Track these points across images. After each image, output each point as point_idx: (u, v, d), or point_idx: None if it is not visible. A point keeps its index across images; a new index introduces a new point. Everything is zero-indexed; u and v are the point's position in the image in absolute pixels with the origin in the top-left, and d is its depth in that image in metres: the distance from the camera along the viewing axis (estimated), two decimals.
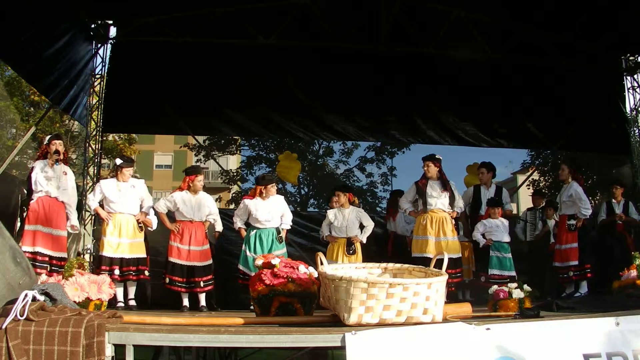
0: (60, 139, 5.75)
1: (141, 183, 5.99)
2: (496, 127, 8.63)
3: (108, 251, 5.56)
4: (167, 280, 5.67)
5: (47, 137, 5.69)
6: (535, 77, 8.19)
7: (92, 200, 5.80)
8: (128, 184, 5.82)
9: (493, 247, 6.33)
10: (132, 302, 5.64)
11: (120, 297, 5.56)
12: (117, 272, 5.48)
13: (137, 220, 5.76)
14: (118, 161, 6.00)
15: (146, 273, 5.73)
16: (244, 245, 5.84)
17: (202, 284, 5.70)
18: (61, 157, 5.58)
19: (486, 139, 8.70)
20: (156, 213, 5.94)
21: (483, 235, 6.41)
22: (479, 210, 6.81)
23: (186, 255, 5.70)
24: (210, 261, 5.83)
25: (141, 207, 5.89)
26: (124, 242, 5.63)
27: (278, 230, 5.85)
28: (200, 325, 2.62)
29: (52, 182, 5.42)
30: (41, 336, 2.19)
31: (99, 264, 5.56)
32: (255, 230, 5.82)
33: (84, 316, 2.29)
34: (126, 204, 5.74)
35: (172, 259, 5.71)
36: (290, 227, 6.12)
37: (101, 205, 5.78)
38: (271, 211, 5.84)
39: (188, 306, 5.71)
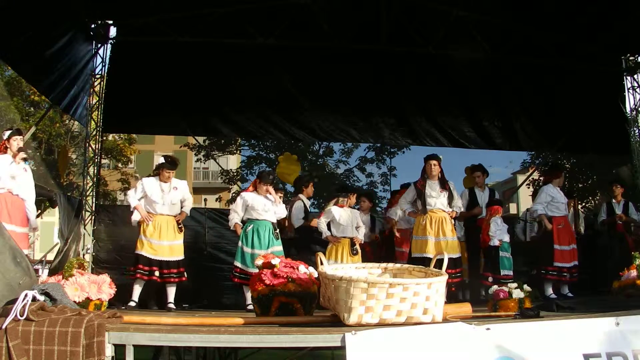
0: (21, 134, 5.46)
1: (184, 184, 5.94)
2: (495, 128, 8.62)
3: (148, 252, 5.54)
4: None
5: (7, 133, 5.35)
6: (535, 77, 8.18)
7: (133, 197, 5.70)
8: (170, 184, 5.78)
9: (502, 247, 6.27)
10: (171, 305, 5.60)
11: (135, 297, 5.49)
12: (157, 273, 5.50)
13: (177, 221, 5.75)
14: (161, 159, 5.91)
15: (185, 275, 5.72)
16: (240, 242, 5.78)
17: None
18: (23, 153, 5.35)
19: (485, 141, 8.68)
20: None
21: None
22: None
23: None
24: None
25: (182, 207, 5.87)
26: (164, 244, 5.62)
27: (274, 227, 5.84)
28: (200, 325, 2.63)
29: (15, 179, 5.20)
30: (41, 336, 2.19)
31: (136, 262, 5.54)
32: (252, 225, 5.78)
33: (84, 316, 2.29)
34: (168, 205, 5.73)
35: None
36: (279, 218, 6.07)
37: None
38: (267, 204, 5.85)
39: None
